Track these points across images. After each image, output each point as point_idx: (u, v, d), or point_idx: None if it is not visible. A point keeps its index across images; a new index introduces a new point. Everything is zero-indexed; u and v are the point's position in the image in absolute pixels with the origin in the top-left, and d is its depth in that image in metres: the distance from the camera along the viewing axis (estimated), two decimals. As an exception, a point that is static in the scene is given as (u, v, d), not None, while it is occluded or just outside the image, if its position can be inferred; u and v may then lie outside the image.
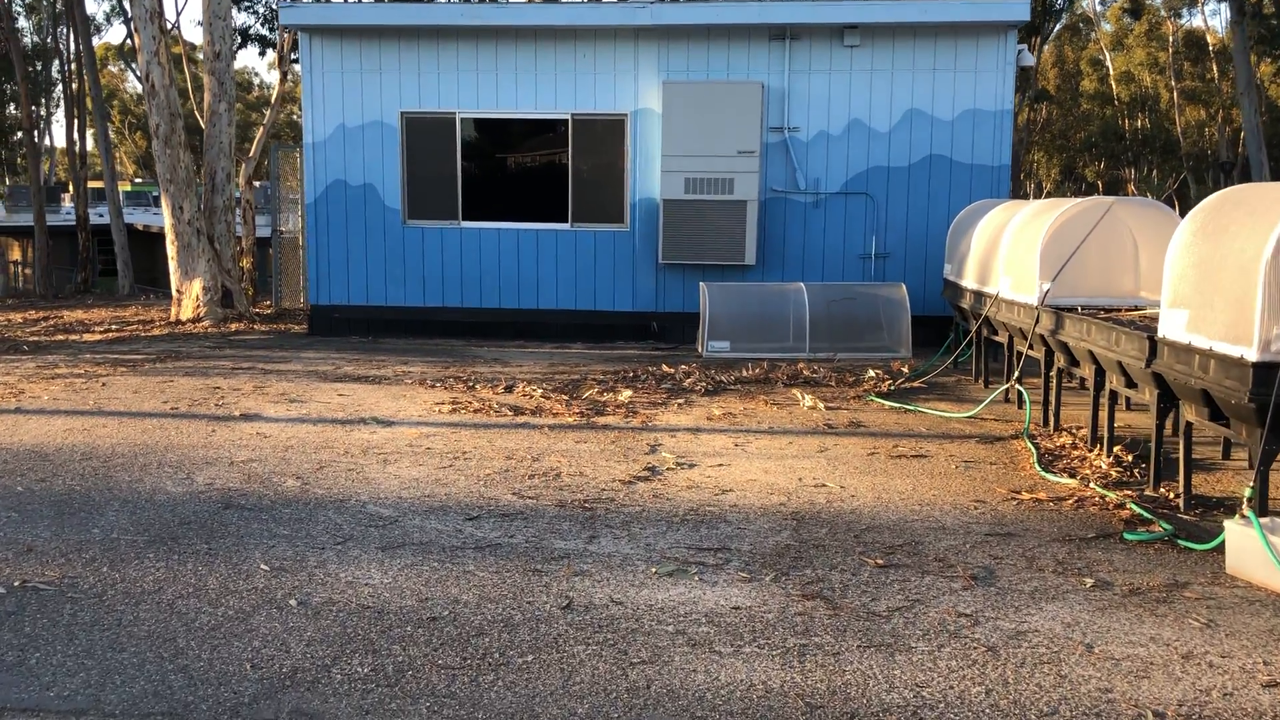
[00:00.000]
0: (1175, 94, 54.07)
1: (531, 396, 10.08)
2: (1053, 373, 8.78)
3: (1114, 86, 56.20)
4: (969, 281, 10.92)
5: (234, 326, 16.47)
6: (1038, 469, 7.27)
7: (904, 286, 13.16)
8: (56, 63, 43.88)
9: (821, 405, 9.66)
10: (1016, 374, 9.16)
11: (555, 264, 14.40)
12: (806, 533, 5.87)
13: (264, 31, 34.20)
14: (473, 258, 14.46)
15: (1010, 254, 9.55)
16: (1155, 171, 57.68)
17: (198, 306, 17.20)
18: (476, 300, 14.55)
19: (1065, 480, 6.96)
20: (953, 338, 12.27)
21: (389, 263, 14.58)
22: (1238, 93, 29.93)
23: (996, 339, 10.40)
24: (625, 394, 10.11)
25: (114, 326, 16.72)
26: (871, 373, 11.34)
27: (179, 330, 15.96)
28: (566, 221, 14.37)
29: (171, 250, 17.39)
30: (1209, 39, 53.05)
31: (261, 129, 23.03)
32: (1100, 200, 8.86)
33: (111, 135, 52.74)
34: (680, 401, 9.92)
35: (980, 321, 10.25)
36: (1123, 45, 56.64)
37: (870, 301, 13.23)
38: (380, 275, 14.62)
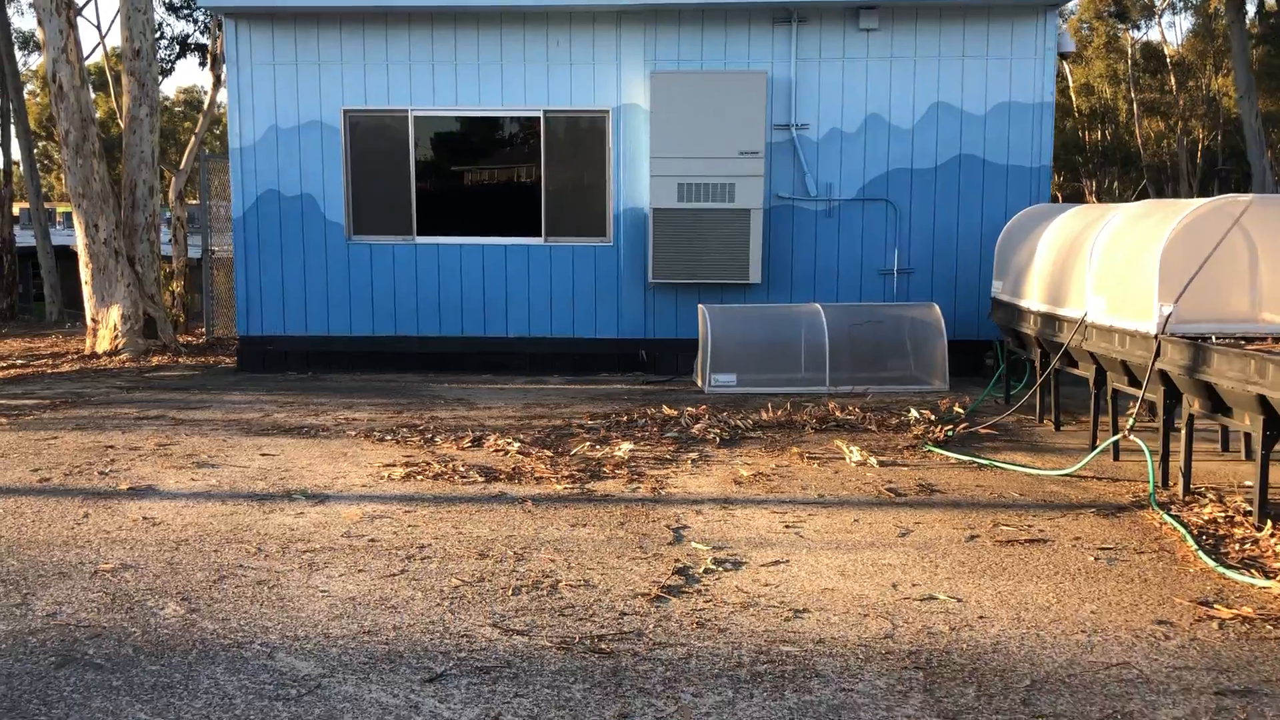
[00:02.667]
0: (1135, 105, 53.20)
1: (506, 452, 8.04)
2: (1178, 420, 6.87)
3: (1074, 99, 55.24)
4: (1034, 302, 9.02)
5: (155, 360, 14.28)
6: (1209, 562, 5.33)
7: (937, 307, 11.26)
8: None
9: (873, 461, 7.70)
10: (1131, 421, 7.25)
11: (527, 285, 12.37)
12: (945, 695, 3.88)
13: (205, 40, 31.96)
14: (430, 279, 12.40)
15: (1104, 268, 7.66)
16: (1116, 183, 56.80)
17: (115, 338, 14.99)
18: (435, 328, 12.48)
19: (1261, 582, 5.02)
20: (1003, 368, 10.37)
21: (331, 286, 12.48)
22: (1237, 95, 28.43)
23: (1075, 371, 8.51)
24: (624, 447, 8.09)
25: (19, 361, 14.46)
26: (914, 413, 9.40)
27: (91, 365, 13.75)
28: (540, 235, 12.35)
29: (85, 273, 15.17)
30: (1166, 51, 52.30)
31: (194, 138, 20.81)
32: (1234, 198, 6.99)
33: (55, 154, 50.05)
34: (693, 456, 7.92)
35: (1060, 352, 8.35)
36: (1082, 57, 55.71)
37: (898, 325, 11.31)
38: (321, 301, 12.51)
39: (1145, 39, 55.33)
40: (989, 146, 11.97)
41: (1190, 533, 5.80)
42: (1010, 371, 10.37)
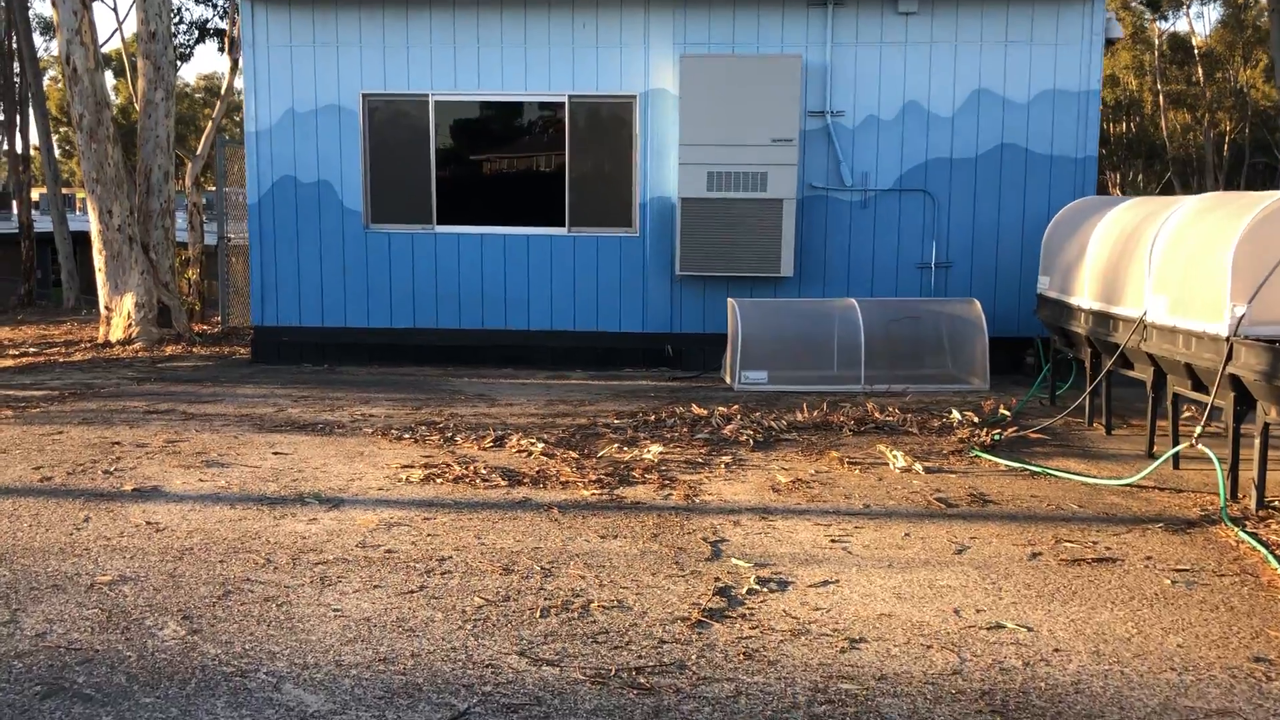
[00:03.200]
0: (1161, 97, 52.39)
1: (530, 454, 7.64)
2: (1254, 428, 6.41)
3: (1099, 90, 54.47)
4: (1085, 299, 8.56)
5: (169, 350, 13.95)
6: (1300, 587, 4.89)
7: (978, 303, 10.80)
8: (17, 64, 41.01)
9: (919, 467, 7.27)
10: (1199, 429, 6.79)
11: (550, 276, 11.97)
12: (1025, 743, 3.46)
13: (223, 25, 31.64)
14: (450, 269, 12.01)
15: (1167, 265, 7.20)
16: (1140, 175, 56.02)
17: (129, 326, 14.68)
18: (455, 320, 12.09)
19: (1361, 612, 4.58)
20: (1048, 368, 9.90)
21: (349, 276, 12.10)
22: (1277, 84, 27.76)
23: (1130, 373, 8.05)
24: (653, 449, 7.68)
25: (33, 349, 14.17)
26: (956, 414, 8.97)
27: (104, 355, 13.44)
28: (563, 225, 11.94)
29: (99, 260, 14.86)
30: (1194, 42, 51.43)
31: (210, 123, 20.47)
32: (1313, 191, 6.51)
33: (74, 139, 49.80)
34: (726, 459, 7.51)
35: (1116, 354, 7.88)
36: (1109, 48, 54.90)
37: (937, 322, 10.85)
38: (338, 291, 12.13)
39: (1172, 29, 54.49)
40: (1032, 136, 11.49)
41: (1273, 554, 5.35)
42: (1054, 371, 9.91)
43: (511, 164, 12.17)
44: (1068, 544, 5.61)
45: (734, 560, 5.28)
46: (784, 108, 11.17)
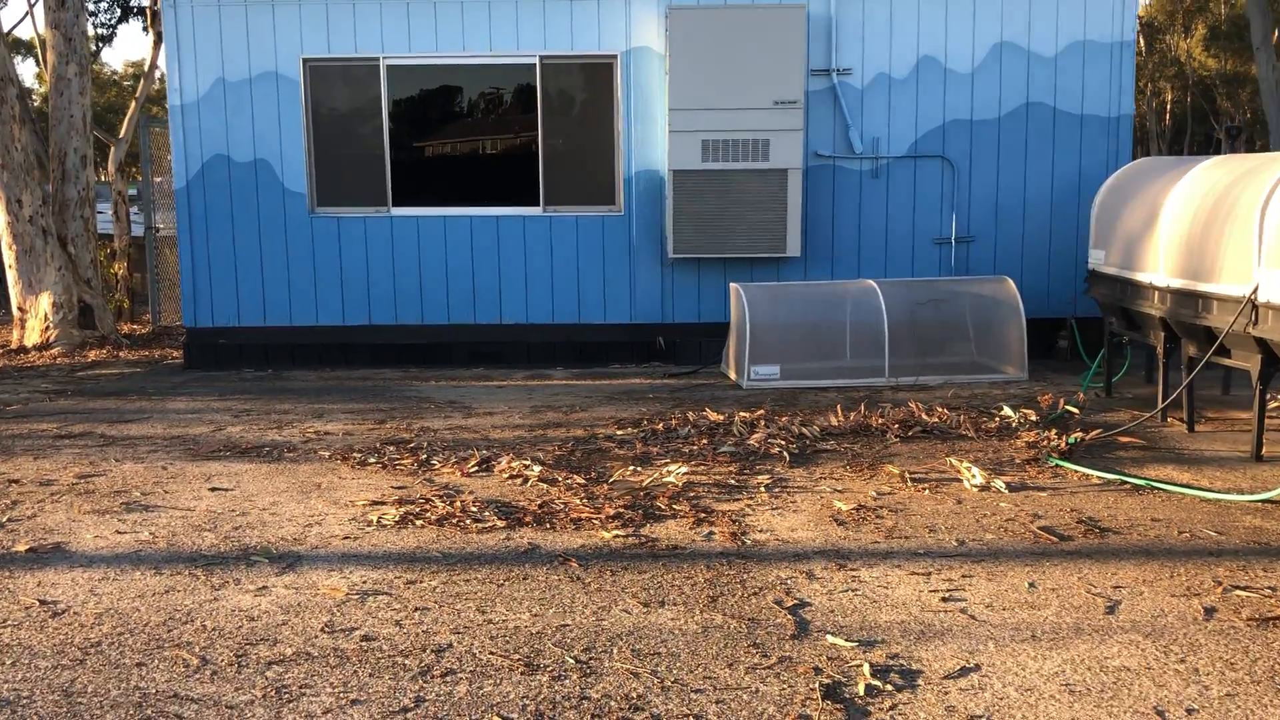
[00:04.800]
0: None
1: (526, 479, 6.30)
2: None
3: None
4: (1159, 275, 7.37)
5: (92, 355, 12.38)
6: None
7: (1011, 282, 9.60)
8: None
9: (999, 483, 6.03)
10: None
11: (524, 263, 10.58)
12: None
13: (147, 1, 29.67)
14: (409, 257, 10.58)
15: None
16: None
17: (46, 329, 13.07)
18: (416, 315, 10.67)
19: None
20: (1103, 353, 8.72)
21: (293, 268, 10.63)
22: (1254, 47, 26.88)
23: (1227, 362, 6.87)
24: (673, 469, 6.37)
25: (-67, 359, 12.52)
26: (1009, 411, 7.76)
27: (16, 363, 11.84)
28: (537, 204, 10.56)
29: (9, 256, 13.23)
30: (1136, 12, 50.87)
31: (134, 102, 18.74)
32: None
33: None
34: (764, 479, 6.22)
35: (1219, 340, 6.69)
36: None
37: (968, 304, 9.64)
38: (281, 285, 10.65)
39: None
40: (1061, 93, 10.29)
41: None
42: (1114, 353, 8.73)
43: (477, 136, 10.75)
44: (1240, 592, 4.39)
45: (830, 637, 3.99)
46: (787, 65, 9.86)
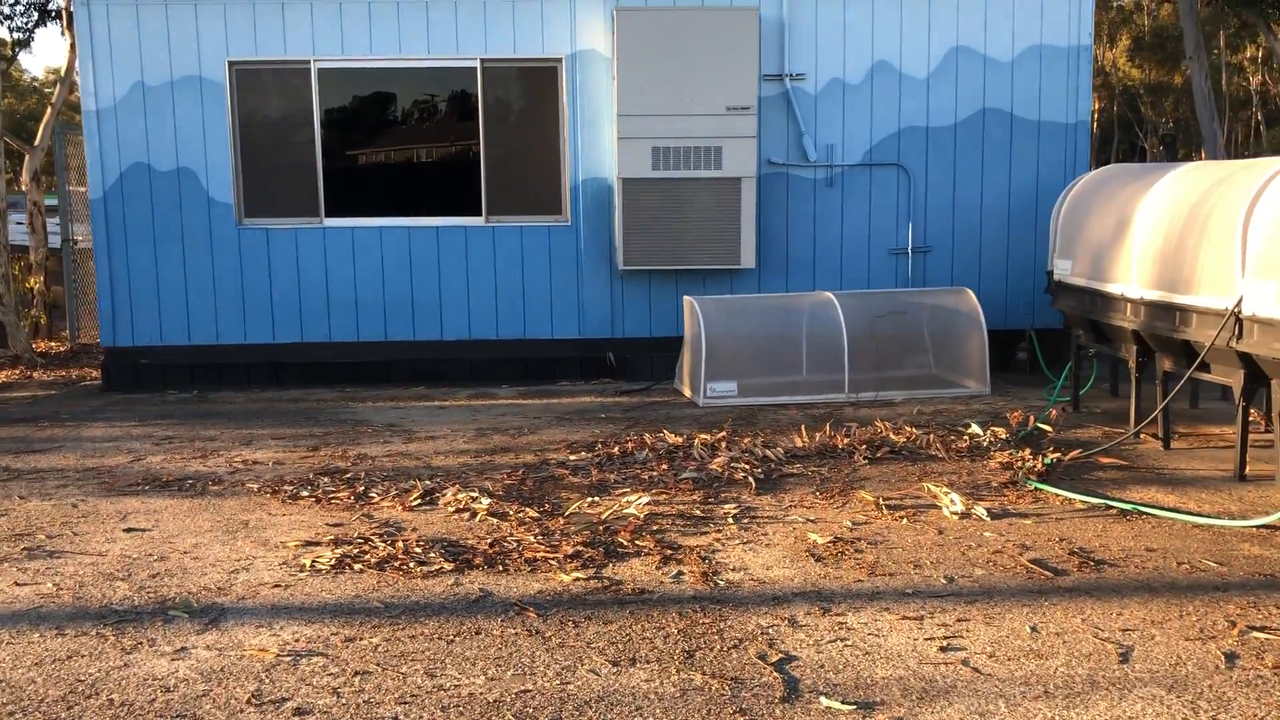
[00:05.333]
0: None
1: (474, 513, 5.82)
2: None
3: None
4: (1131, 286, 7.10)
5: (3, 376, 11.63)
6: None
7: (971, 293, 9.31)
8: None
9: (980, 510, 5.68)
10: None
11: (466, 276, 10.09)
12: None
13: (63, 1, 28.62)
14: (343, 271, 10.03)
15: (1274, 243, 5.73)
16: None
17: (-47, 349, 12.28)
18: (352, 332, 10.12)
19: None
20: (1071, 365, 8.45)
21: (220, 282, 10.02)
22: (1185, 56, 27.15)
23: (1208, 377, 6.61)
24: (634, 499, 5.93)
25: None
26: (977, 428, 7.44)
27: (-81, 386, 11.06)
28: (479, 214, 10.07)
29: (-89, 272, 12.42)
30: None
31: (50, 109, 17.88)
32: None
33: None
34: (731, 509, 5.81)
35: (1202, 355, 6.41)
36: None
37: (927, 317, 9.33)
38: (207, 301, 10.03)
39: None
40: (1017, 99, 10.05)
41: None
42: (1082, 366, 8.46)
43: (415, 143, 10.24)
44: (1258, 634, 4.06)
45: (824, 699, 3.57)
46: (740, 69, 9.49)
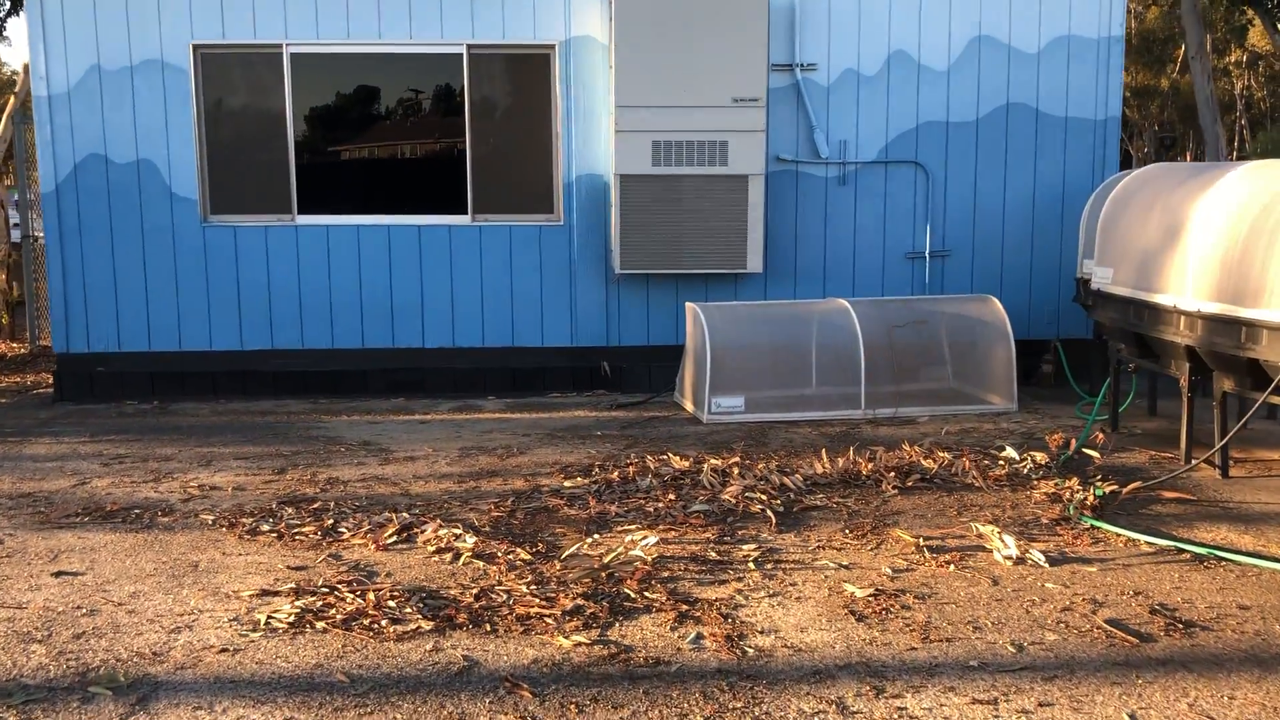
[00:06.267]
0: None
1: (457, 554, 5.09)
2: None
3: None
4: (1187, 298, 6.41)
5: (-48, 383, 10.81)
6: None
7: (997, 302, 8.62)
8: None
9: (1036, 555, 4.98)
10: None
11: (450, 279, 9.34)
12: None
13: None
14: (317, 272, 9.28)
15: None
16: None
17: (-100, 352, 11.46)
18: (325, 339, 9.36)
19: None
20: (1110, 382, 7.76)
21: (183, 284, 9.25)
22: (1188, 56, 26.55)
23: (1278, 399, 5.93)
24: (641, 537, 5.21)
25: None
26: (1012, 452, 6.75)
27: None
28: (465, 213, 9.33)
29: None
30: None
31: (12, 98, 17.04)
32: None
33: None
34: (751, 550, 5.10)
35: (1278, 381, 5.73)
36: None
37: (949, 327, 8.64)
38: (169, 304, 9.26)
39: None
40: (1044, 93, 9.37)
41: None
42: (1122, 381, 7.77)
43: (396, 135, 9.49)
44: (1404, 726, 3.37)
45: (896, 824, 2.86)
46: (748, 58, 8.78)
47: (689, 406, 8.52)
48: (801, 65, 9.20)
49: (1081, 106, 9.39)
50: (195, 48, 9.05)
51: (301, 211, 9.25)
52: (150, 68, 9.03)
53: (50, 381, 10.54)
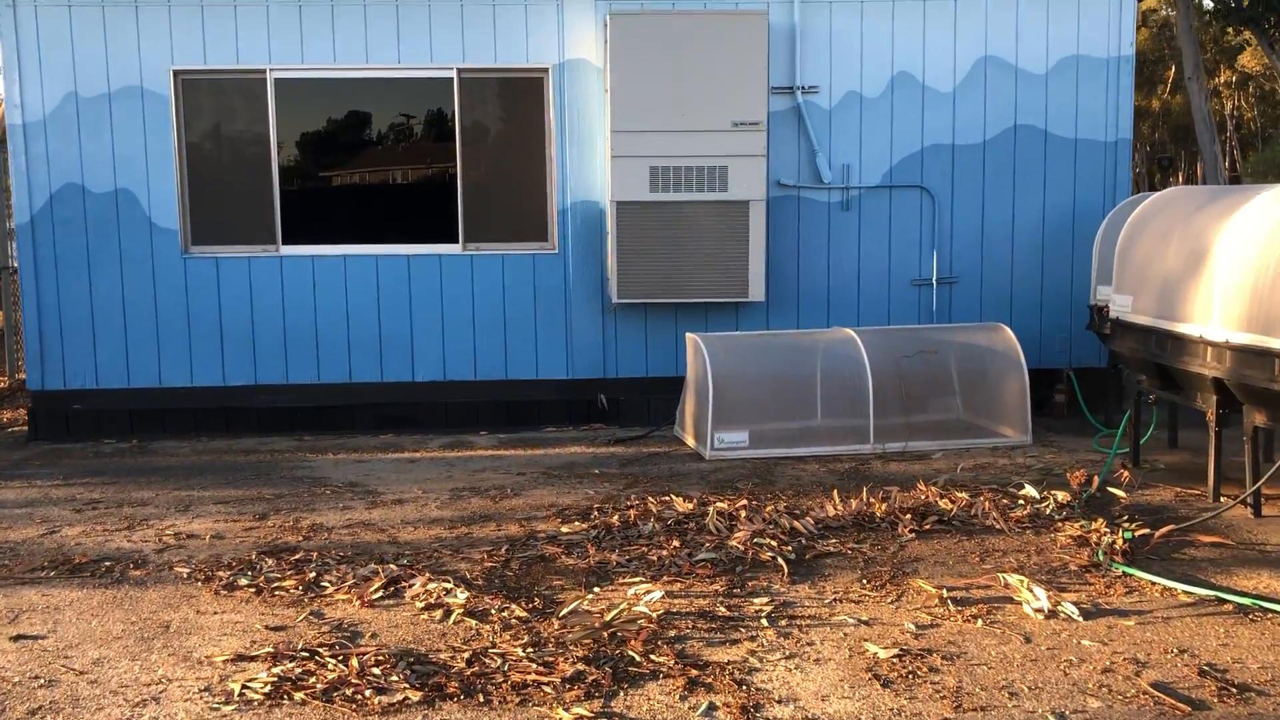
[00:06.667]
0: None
1: (448, 612, 4.74)
2: None
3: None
4: (1214, 327, 6.11)
5: (-75, 420, 10.43)
6: None
7: (1008, 330, 8.32)
8: None
9: (1069, 607, 4.64)
10: None
11: (440, 310, 9.02)
12: None
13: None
14: (303, 305, 8.95)
15: None
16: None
17: (-126, 388, 11.09)
18: (311, 373, 9.02)
19: None
20: (1129, 415, 7.44)
21: (163, 318, 8.91)
22: (1184, 76, 26.41)
23: (1314, 436, 5.62)
24: (645, 591, 4.88)
25: None
26: (1029, 489, 6.43)
27: None
28: (456, 241, 9.01)
29: None
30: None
31: (-6, 127, 16.72)
32: None
33: None
34: (764, 604, 4.76)
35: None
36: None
37: (958, 356, 8.33)
38: (149, 339, 8.92)
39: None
40: (1052, 115, 9.09)
41: None
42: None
43: (384, 162, 9.19)
44: None
45: None
46: (747, 81, 8.50)
47: (690, 441, 8.19)
48: (803, 88, 8.93)
49: (1091, 128, 9.11)
50: (176, 73, 8.74)
51: (286, 242, 8.93)
52: (129, 94, 8.72)
53: (26, 419, 10.18)
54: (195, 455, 8.29)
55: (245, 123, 8.89)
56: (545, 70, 8.86)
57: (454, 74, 8.83)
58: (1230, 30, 29.56)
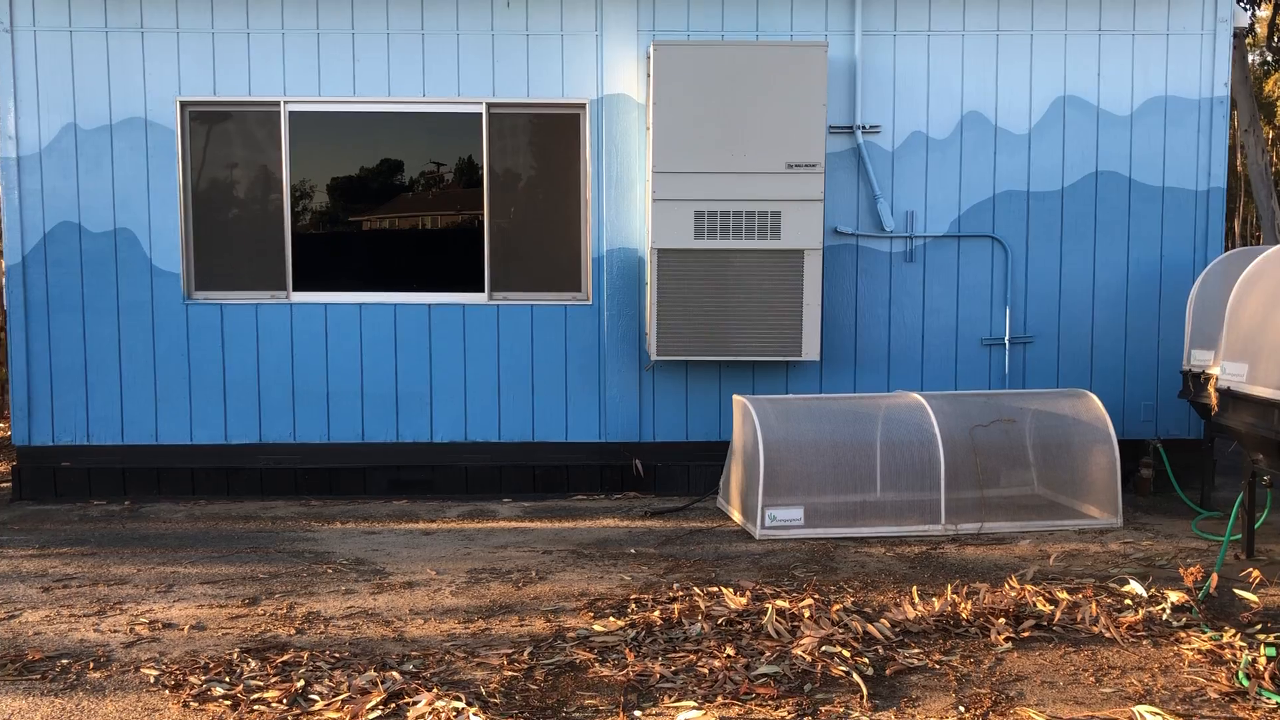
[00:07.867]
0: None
1: (458, 740, 3.89)
2: None
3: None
4: (1361, 403, 5.21)
5: (-88, 472, 9.74)
6: None
7: (1095, 398, 7.44)
8: None
9: (1228, 757, 3.75)
10: None
11: (463, 364, 8.25)
12: None
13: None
14: (313, 357, 8.20)
15: None
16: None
17: None
18: (321, 432, 8.25)
19: None
20: (1242, 499, 6.52)
21: (163, 369, 8.18)
22: (1240, 129, 25.57)
23: None
24: (697, 718, 4.01)
25: None
26: (1136, 586, 5.53)
27: None
28: (482, 290, 8.26)
29: None
30: None
31: None
32: None
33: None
34: (840, 740, 3.89)
35: None
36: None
37: (1039, 425, 7.45)
38: (146, 391, 8.19)
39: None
40: (1137, 160, 8.28)
41: None
42: (1257, 492, 6.54)
43: (405, 203, 8.47)
44: None
45: None
46: (804, 118, 7.73)
47: (737, 516, 7.33)
48: (864, 127, 8.16)
49: (1181, 175, 8.29)
50: (183, 104, 8.08)
51: (297, 288, 8.20)
52: (132, 126, 8.06)
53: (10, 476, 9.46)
54: (189, 521, 7.51)
55: (256, 158, 8.21)
56: (582, 105, 8.14)
57: (483, 108, 8.12)
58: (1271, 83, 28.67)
